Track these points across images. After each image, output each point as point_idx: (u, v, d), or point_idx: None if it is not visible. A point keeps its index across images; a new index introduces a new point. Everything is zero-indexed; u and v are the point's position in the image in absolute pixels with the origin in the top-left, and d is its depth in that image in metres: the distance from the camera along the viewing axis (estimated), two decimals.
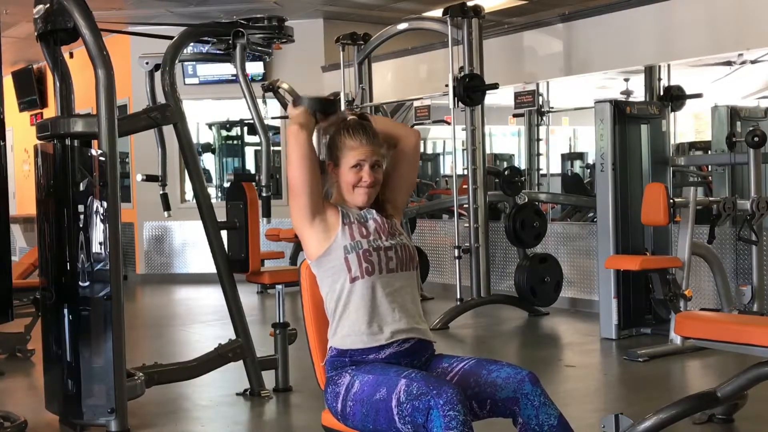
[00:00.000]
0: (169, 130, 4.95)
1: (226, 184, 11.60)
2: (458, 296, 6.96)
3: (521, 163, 11.75)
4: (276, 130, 10.35)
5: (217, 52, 5.04)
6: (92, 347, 3.92)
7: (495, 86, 6.93)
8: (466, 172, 7.14)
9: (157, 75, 4.94)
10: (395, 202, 2.68)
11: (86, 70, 4.00)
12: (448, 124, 8.19)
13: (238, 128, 12.09)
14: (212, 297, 8.24)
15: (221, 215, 4.86)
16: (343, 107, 8.20)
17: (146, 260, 10.91)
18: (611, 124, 6.09)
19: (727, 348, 3.43)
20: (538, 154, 10.35)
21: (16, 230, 11.48)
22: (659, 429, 3.35)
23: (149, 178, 5.68)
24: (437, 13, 8.15)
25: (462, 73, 6.88)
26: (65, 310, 3.98)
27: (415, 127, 9.78)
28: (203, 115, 11.79)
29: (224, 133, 12.33)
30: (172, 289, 10.10)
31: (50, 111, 11.52)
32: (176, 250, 10.83)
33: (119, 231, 3.89)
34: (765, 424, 4.10)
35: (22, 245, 11.54)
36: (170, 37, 4.93)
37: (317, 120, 2.60)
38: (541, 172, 10.47)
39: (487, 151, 9.05)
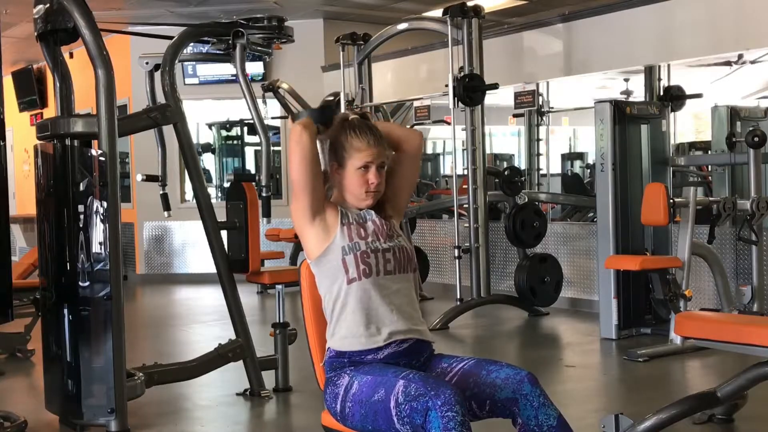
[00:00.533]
0: (169, 130, 4.95)
1: (226, 184, 11.60)
2: (458, 296, 6.96)
3: (521, 163, 11.75)
4: (276, 130, 10.35)
5: (217, 52, 5.04)
6: (92, 347, 3.92)
7: (495, 86, 6.93)
8: (466, 172, 7.14)
9: (157, 75, 4.94)
10: (396, 203, 2.66)
11: (86, 70, 4.00)
12: (448, 124, 8.18)
13: (238, 128, 12.09)
14: (212, 297, 8.24)
15: (221, 215, 4.86)
16: (343, 107, 8.20)
17: (146, 260, 10.91)
18: (611, 124, 6.09)
19: (727, 348, 3.43)
20: (538, 154, 10.35)
21: (16, 230, 11.48)
22: (659, 429, 3.35)
23: (149, 178, 5.68)
24: (437, 13, 8.15)
25: (462, 73, 6.88)
26: (65, 310, 3.98)
27: (416, 127, 9.81)
28: (203, 115, 11.79)
29: (224, 133, 12.33)
30: (172, 289, 10.10)
31: (50, 111, 11.52)
32: (176, 250, 10.83)
33: (119, 231, 3.89)
34: (765, 424, 4.10)
35: (22, 245, 11.54)
36: (170, 37, 4.93)
37: (319, 131, 2.56)
38: (541, 172, 10.47)
39: (487, 151, 9.05)
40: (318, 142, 2.55)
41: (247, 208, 4.80)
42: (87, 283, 3.91)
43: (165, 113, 4.67)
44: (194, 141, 5.32)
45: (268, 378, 4.84)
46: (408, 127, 9.55)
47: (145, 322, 7.94)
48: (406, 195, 2.72)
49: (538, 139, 10.35)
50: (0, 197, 4.03)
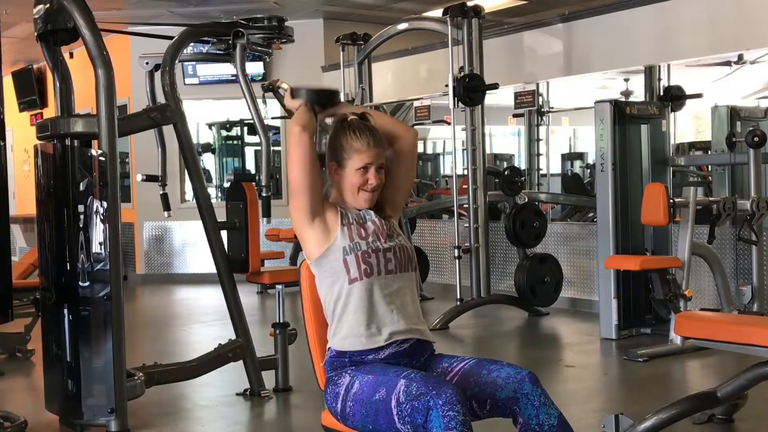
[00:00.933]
0: (169, 130, 4.95)
1: (226, 184, 11.60)
2: (458, 296, 6.96)
3: (521, 163, 11.75)
4: (276, 130, 10.35)
5: (217, 52, 5.04)
6: (92, 347, 3.92)
7: (495, 86, 6.93)
8: (466, 172, 7.14)
9: (157, 75, 4.93)
10: (394, 202, 2.67)
11: (86, 70, 4.00)
12: (448, 124, 8.19)
13: (238, 128, 12.09)
14: (212, 297, 8.23)
15: (221, 215, 4.86)
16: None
17: (146, 260, 10.91)
18: (611, 124, 6.09)
19: (727, 348, 3.43)
20: (538, 154, 10.36)
21: (16, 230, 11.48)
22: (659, 429, 3.35)
23: (149, 178, 5.68)
24: (437, 13, 8.15)
25: (462, 73, 6.89)
26: (65, 310, 3.97)
27: (415, 126, 9.81)
28: (203, 115, 11.79)
29: (224, 133, 12.33)
30: (172, 289, 10.10)
31: (50, 111, 11.52)
32: (176, 250, 10.83)
33: (119, 231, 3.89)
34: (765, 424, 4.10)
35: (22, 245, 11.54)
36: (170, 37, 4.93)
37: (316, 112, 2.59)
38: (541, 172, 10.47)
39: (487, 151, 9.05)
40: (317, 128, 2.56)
41: (247, 208, 4.80)
42: (87, 283, 3.90)
43: (165, 113, 4.67)
44: (194, 141, 5.32)
45: (268, 378, 4.84)
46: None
47: (145, 322, 7.94)
48: (404, 194, 2.74)
49: (538, 139, 10.35)
50: (0, 197, 4.03)
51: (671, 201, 5.42)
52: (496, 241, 7.79)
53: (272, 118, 9.41)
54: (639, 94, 8.66)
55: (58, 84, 4.32)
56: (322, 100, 2.62)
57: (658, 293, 5.51)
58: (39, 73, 12.73)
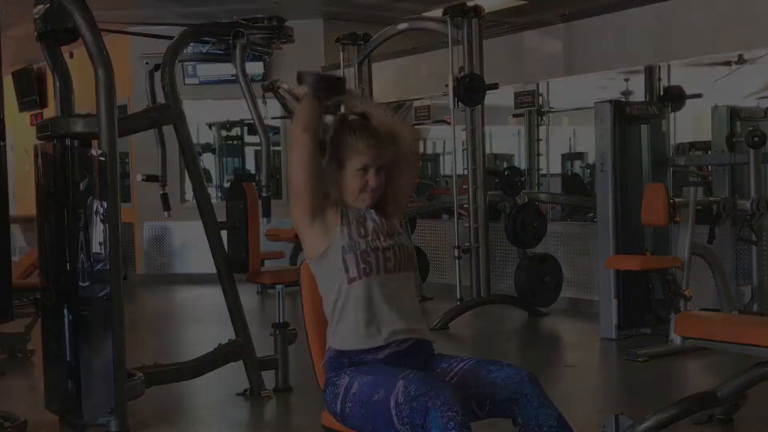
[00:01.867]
0: (169, 130, 4.95)
1: (226, 184, 11.60)
2: (458, 296, 6.96)
3: (521, 163, 11.75)
4: (276, 130, 10.35)
5: (217, 52, 5.05)
6: (92, 347, 3.93)
7: (495, 86, 6.93)
8: (466, 172, 7.14)
9: (157, 75, 4.94)
10: (396, 202, 2.66)
11: (86, 70, 4.00)
12: (448, 124, 8.18)
13: (238, 128, 12.09)
14: (212, 297, 8.22)
15: (221, 215, 4.86)
16: (342, 107, 8.19)
17: (146, 260, 10.90)
18: (611, 124, 6.09)
19: (727, 348, 3.44)
20: (538, 154, 10.35)
21: (16, 230, 11.48)
22: (659, 429, 3.35)
23: (149, 178, 5.68)
24: (437, 13, 8.15)
25: (462, 73, 6.89)
26: (65, 310, 3.98)
27: (415, 127, 9.80)
28: (203, 115, 11.79)
29: (224, 133, 12.33)
30: (172, 289, 10.10)
31: (50, 111, 11.51)
32: (176, 250, 10.83)
33: (119, 231, 3.89)
34: (765, 425, 4.09)
35: (22, 245, 11.53)
36: (170, 37, 4.93)
37: (321, 99, 2.50)
38: (541, 172, 10.47)
39: (487, 151, 9.05)
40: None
41: (247, 208, 4.80)
42: (87, 283, 3.91)
43: (165, 113, 4.67)
44: (194, 141, 5.32)
45: (268, 378, 4.84)
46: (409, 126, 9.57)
47: (145, 322, 7.94)
48: (406, 194, 2.73)
49: (538, 139, 10.35)
50: (0, 197, 4.03)
51: (671, 201, 5.42)
52: (496, 241, 7.78)
53: (272, 118, 9.41)
54: (639, 94, 8.65)
55: (58, 84, 4.33)
56: (329, 92, 2.57)
57: (658, 293, 5.51)
58: (39, 73, 12.73)
